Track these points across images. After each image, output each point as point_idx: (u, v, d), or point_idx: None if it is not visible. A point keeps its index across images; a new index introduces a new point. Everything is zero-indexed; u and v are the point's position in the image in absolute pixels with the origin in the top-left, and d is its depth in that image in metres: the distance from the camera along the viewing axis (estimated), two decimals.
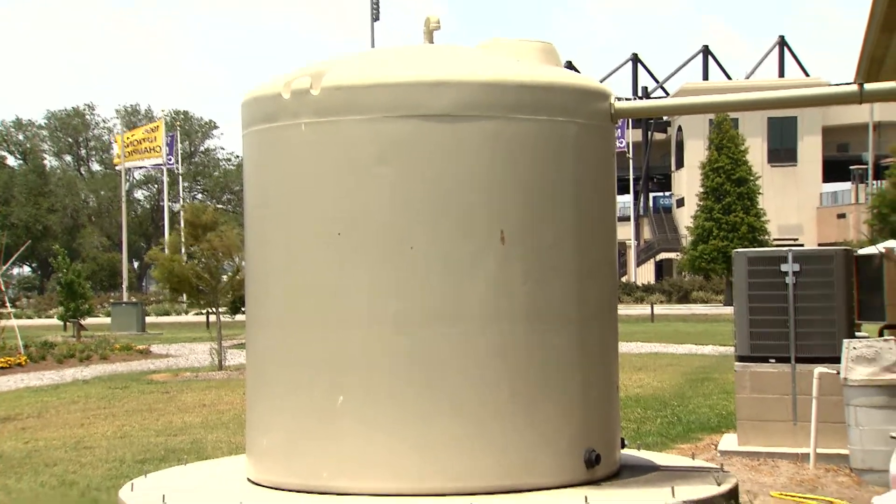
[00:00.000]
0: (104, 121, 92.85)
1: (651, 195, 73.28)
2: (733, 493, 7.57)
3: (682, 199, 66.28)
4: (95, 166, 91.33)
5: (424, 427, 7.20)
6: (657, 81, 67.15)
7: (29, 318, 48.18)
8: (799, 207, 61.85)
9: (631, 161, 64.44)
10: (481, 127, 7.37)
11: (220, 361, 22.93)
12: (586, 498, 6.92)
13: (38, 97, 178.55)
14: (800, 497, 8.75)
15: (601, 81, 9.34)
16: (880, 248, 11.85)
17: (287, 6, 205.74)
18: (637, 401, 14.91)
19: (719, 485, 7.55)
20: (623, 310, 44.02)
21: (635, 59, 68.03)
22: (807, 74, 63.83)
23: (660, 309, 48.51)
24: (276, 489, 7.50)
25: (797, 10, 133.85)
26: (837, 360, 10.08)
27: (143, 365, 24.85)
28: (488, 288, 7.30)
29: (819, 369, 10.52)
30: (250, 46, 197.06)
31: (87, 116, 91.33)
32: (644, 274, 67.70)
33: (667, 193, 73.09)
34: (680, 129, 66.58)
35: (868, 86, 8.57)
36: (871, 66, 11.22)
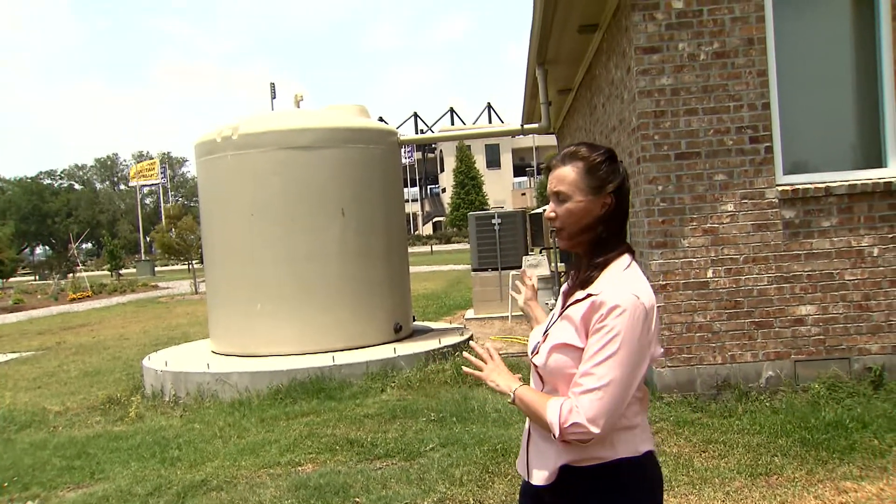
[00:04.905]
0: (124, 160, 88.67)
1: (428, 187, 73.33)
2: (470, 339, 7.69)
3: (445, 188, 66.58)
4: (122, 186, 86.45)
5: (304, 318, 6.98)
6: (427, 126, 67.01)
7: (91, 271, 44.52)
8: (502, 190, 63.09)
9: (416, 168, 64.82)
10: (328, 152, 7.11)
11: (195, 289, 21.80)
12: (395, 349, 6.88)
13: (79, 149, 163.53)
14: (504, 338, 8.97)
15: (397, 127, 9.17)
16: (541, 210, 12.36)
17: (226, 90, 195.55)
18: (423, 296, 14.96)
19: (463, 336, 7.65)
20: (414, 249, 44.43)
21: (415, 115, 67.60)
22: (501, 121, 64.96)
23: (436, 248, 48.81)
24: (226, 355, 7.15)
25: (500, 87, 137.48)
26: (520, 267, 10.38)
27: (154, 293, 23.34)
28: (336, 239, 7.10)
29: (512, 273, 10.81)
30: (201, 112, 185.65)
31: (115, 159, 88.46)
32: (427, 229, 67.88)
33: (437, 185, 73.26)
34: (441, 150, 66.82)
35: (526, 126, 8.75)
36: (526, 116, 11.49)
